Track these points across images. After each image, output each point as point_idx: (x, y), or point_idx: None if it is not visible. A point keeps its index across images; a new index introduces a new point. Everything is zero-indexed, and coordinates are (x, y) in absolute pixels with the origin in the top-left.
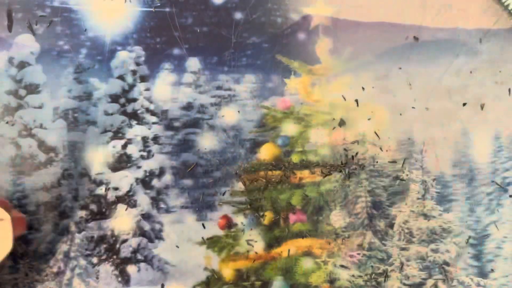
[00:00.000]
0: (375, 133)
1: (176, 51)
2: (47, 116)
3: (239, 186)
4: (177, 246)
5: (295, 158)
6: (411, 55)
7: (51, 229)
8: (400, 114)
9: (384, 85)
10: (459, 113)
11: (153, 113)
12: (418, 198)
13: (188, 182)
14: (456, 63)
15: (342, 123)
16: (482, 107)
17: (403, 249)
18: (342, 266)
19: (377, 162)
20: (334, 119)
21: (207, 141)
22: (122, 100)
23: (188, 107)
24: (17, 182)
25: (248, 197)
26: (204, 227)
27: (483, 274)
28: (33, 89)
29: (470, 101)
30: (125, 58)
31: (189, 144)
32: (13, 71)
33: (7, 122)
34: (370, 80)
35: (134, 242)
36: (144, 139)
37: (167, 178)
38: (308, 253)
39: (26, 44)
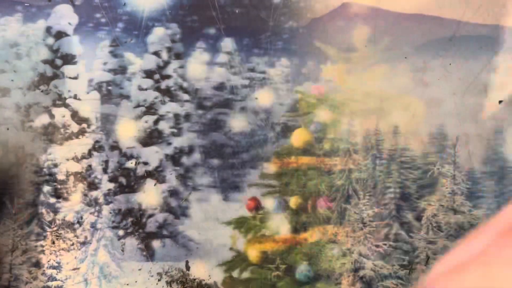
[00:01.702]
0: None
1: (211, 30)
2: (81, 87)
3: (269, 168)
4: (203, 225)
5: (326, 145)
6: (450, 49)
7: (80, 199)
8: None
9: (421, 78)
10: (495, 110)
11: (186, 91)
12: (448, 193)
13: (216, 161)
14: (495, 60)
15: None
16: None
17: (430, 242)
18: (367, 255)
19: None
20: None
21: (237, 122)
22: (157, 76)
23: (221, 87)
24: (48, 150)
25: (277, 180)
26: None
27: None
28: (69, 59)
29: (506, 99)
30: (161, 35)
31: (219, 124)
32: (50, 40)
33: (42, 91)
34: (406, 71)
35: (160, 217)
36: (176, 116)
37: (196, 156)
38: (333, 241)
39: (64, 14)
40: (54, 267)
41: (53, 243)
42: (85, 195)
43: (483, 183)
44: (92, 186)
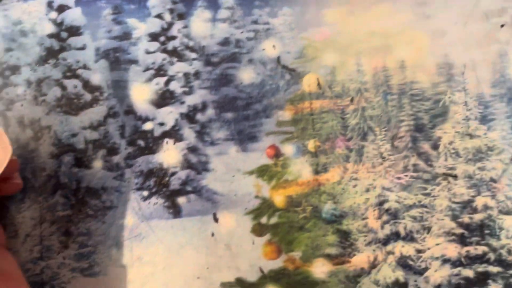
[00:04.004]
0: None
1: None
2: (89, 56)
3: (284, 116)
4: (226, 177)
5: (337, 87)
6: None
7: (101, 166)
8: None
9: (422, 11)
10: (497, 35)
11: (192, 49)
12: (462, 119)
13: (230, 115)
14: None
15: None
16: None
17: (450, 168)
18: (390, 188)
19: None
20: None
21: (246, 75)
22: (162, 39)
23: (226, 42)
24: (65, 122)
25: (294, 126)
26: None
27: None
28: (74, 31)
29: (508, 22)
30: None
31: (229, 78)
32: (53, 14)
33: (51, 64)
34: (407, 6)
35: (182, 174)
36: (186, 75)
37: (210, 112)
38: (355, 178)
39: None
40: (84, 234)
41: (80, 211)
42: (106, 161)
43: (494, 105)
44: (112, 151)
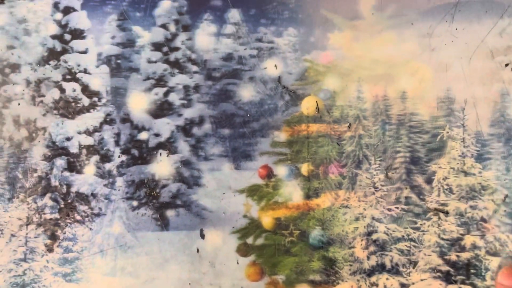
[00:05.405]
0: None
1: (218, 2)
2: (91, 61)
3: (279, 137)
4: (216, 193)
5: (336, 112)
6: (455, 14)
7: (93, 172)
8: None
9: (427, 43)
10: (501, 74)
11: (194, 62)
12: (459, 156)
13: (226, 131)
14: (501, 23)
15: None
16: None
17: (442, 204)
18: (379, 219)
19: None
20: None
21: (246, 92)
22: (165, 49)
23: (229, 58)
24: (60, 124)
25: (289, 148)
26: None
27: None
28: (78, 34)
29: None
30: (168, 7)
31: (229, 94)
32: (58, 16)
33: (51, 65)
34: (413, 37)
35: (173, 187)
36: (186, 88)
37: (207, 126)
38: (346, 206)
39: None
40: (69, 239)
41: (68, 215)
42: (99, 167)
43: (491, 145)
44: (105, 158)
